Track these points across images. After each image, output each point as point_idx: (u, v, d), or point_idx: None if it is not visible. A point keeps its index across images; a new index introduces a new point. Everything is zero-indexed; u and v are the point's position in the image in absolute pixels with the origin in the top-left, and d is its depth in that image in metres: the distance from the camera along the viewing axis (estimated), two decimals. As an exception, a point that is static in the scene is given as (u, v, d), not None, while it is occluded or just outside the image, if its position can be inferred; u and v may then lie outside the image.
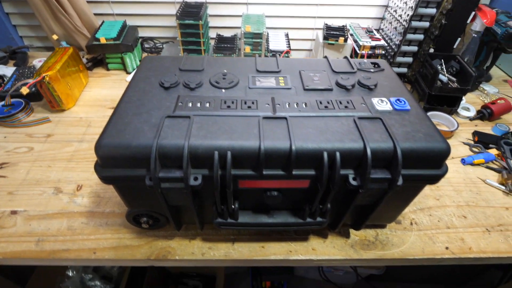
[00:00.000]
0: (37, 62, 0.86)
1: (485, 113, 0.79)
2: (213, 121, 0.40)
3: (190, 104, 0.42)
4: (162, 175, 0.36)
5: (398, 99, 0.44)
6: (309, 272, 1.36)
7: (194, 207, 0.41)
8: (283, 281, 1.33)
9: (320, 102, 0.43)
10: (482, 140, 0.73)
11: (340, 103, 0.43)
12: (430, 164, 0.39)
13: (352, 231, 0.54)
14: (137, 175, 0.37)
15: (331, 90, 0.46)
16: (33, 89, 0.78)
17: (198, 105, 0.42)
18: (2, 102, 0.75)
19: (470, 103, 0.85)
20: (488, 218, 0.57)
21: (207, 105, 0.42)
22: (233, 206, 0.42)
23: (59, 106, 0.77)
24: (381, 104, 0.43)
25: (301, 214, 0.45)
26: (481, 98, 0.89)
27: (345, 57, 0.55)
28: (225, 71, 0.50)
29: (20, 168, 0.63)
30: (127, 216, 0.48)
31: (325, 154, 0.36)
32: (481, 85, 0.91)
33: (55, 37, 0.95)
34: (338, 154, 0.36)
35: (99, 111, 0.80)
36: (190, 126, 0.38)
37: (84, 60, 0.93)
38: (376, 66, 0.52)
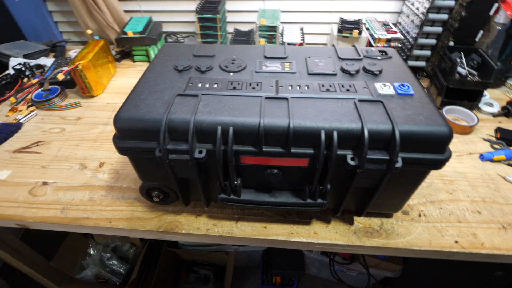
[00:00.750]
0: (72, 53, 0.95)
1: (510, 110, 0.75)
2: (218, 100, 0.42)
3: (199, 85, 0.45)
4: (170, 147, 0.40)
5: (402, 84, 0.44)
6: (321, 271, 1.35)
7: (199, 181, 0.44)
8: (294, 277, 1.33)
9: (323, 85, 0.44)
10: (505, 137, 0.69)
11: (343, 86, 0.44)
12: (432, 148, 0.39)
13: (356, 218, 0.54)
14: (149, 147, 0.41)
15: (335, 75, 0.47)
16: (68, 76, 0.86)
17: (207, 85, 0.45)
18: (42, 88, 0.84)
19: (494, 99, 0.80)
20: (506, 215, 0.54)
21: (215, 86, 0.45)
22: (235, 182, 0.45)
23: (89, 93, 0.84)
24: (384, 89, 0.43)
25: (302, 195, 0.46)
26: (507, 94, 0.84)
27: (353, 45, 0.55)
28: (235, 57, 0.53)
29: (53, 146, 0.71)
30: (140, 189, 0.52)
31: (323, 133, 0.38)
32: (508, 81, 0.86)
33: (89, 31, 1.04)
34: (335, 133, 0.37)
35: (123, 97, 0.83)
36: (197, 103, 0.41)
37: (114, 53, 1.01)
38: (383, 54, 0.52)
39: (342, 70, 0.48)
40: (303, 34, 0.93)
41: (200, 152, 0.40)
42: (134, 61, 1.02)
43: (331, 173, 0.40)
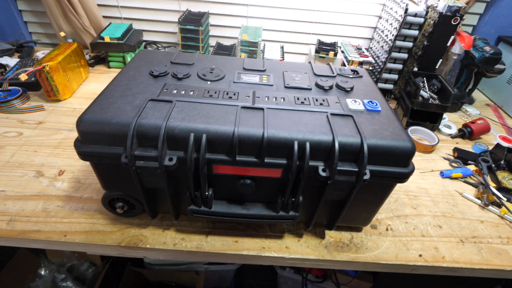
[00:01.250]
0: (40, 54, 0.89)
1: (466, 132, 0.82)
2: (193, 107, 0.41)
3: (174, 91, 0.44)
4: (138, 153, 0.38)
5: (371, 101, 0.46)
6: (293, 289, 1.32)
7: (168, 191, 0.42)
8: (266, 297, 1.28)
9: (298, 98, 0.45)
10: (461, 156, 0.75)
11: (316, 100, 0.45)
12: (397, 161, 0.40)
13: (328, 232, 0.54)
14: (114, 153, 0.39)
15: (309, 89, 0.49)
16: (33, 78, 0.80)
17: (183, 92, 0.44)
18: (0, 88, 0.77)
19: (452, 122, 0.88)
20: (463, 229, 0.57)
21: (191, 93, 0.44)
22: (206, 193, 0.43)
23: (55, 96, 0.79)
24: (354, 104, 0.45)
25: (275, 207, 0.46)
26: (463, 118, 0.92)
27: (328, 64, 0.58)
28: (214, 66, 0.53)
29: (5, 151, 0.64)
30: (103, 199, 0.48)
31: (296, 143, 0.38)
32: (463, 106, 0.95)
33: (62, 34, 0.99)
34: (308, 144, 0.38)
35: None
36: (171, 109, 0.40)
37: (87, 57, 0.97)
38: (355, 73, 0.56)
39: (317, 85, 0.50)
40: (283, 52, 0.96)
41: (171, 159, 0.38)
42: (109, 67, 0.99)
43: (303, 184, 0.40)
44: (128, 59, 0.95)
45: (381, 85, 0.91)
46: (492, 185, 0.66)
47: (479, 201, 0.63)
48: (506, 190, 0.65)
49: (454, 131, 0.83)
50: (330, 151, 0.39)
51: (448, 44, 0.81)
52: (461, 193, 0.65)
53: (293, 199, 0.44)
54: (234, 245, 0.50)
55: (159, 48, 1.11)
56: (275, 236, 0.52)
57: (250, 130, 0.38)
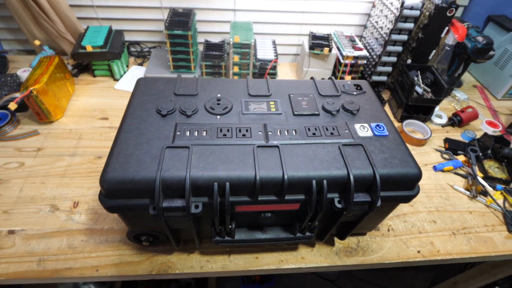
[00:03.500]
0: (21, 72, 0.83)
1: (455, 120, 0.87)
2: (210, 151, 0.42)
3: (187, 133, 0.45)
4: (166, 205, 0.39)
5: (378, 125, 0.48)
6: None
7: (194, 229, 0.45)
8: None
9: (309, 129, 0.47)
10: (452, 147, 0.80)
11: (327, 129, 0.47)
12: (405, 186, 0.44)
13: (336, 239, 0.59)
14: (141, 204, 0.40)
15: (318, 115, 0.50)
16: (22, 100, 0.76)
17: (196, 134, 0.45)
18: (-14, 116, 0.73)
19: (442, 110, 0.92)
20: (454, 222, 0.64)
21: (204, 133, 0.45)
22: (230, 227, 0.46)
23: (47, 118, 0.76)
24: (363, 131, 0.47)
25: (292, 230, 0.50)
26: (452, 104, 0.96)
27: (330, 78, 0.59)
28: (219, 95, 0.52)
29: (12, 185, 0.64)
30: (128, 235, 0.50)
31: (314, 182, 0.41)
32: (453, 92, 0.99)
33: (37, 42, 0.92)
34: (325, 182, 0.41)
35: (88, 122, 0.80)
36: (189, 156, 0.41)
37: (69, 67, 0.91)
38: (358, 88, 0.57)
39: (324, 109, 0.51)
40: (275, 47, 0.94)
41: (197, 206, 0.40)
42: (94, 76, 0.94)
43: (320, 216, 0.44)
44: (114, 68, 0.90)
45: (375, 77, 0.92)
46: (479, 175, 0.72)
47: (468, 193, 0.70)
48: (492, 179, 0.72)
49: (444, 120, 0.88)
50: (345, 184, 0.42)
51: (442, 36, 0.81)
52: (452, 186, 0.71)
53: (309, 223, 0.48)
54: (255, 261, 0.55)
55: (144, 48, 1.05)
56: (291, 249, 0.57)
57: (270, 173, 0.40)
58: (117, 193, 0.39)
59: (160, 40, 1.04)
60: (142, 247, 0.55)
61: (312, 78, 0.59)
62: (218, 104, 0.50)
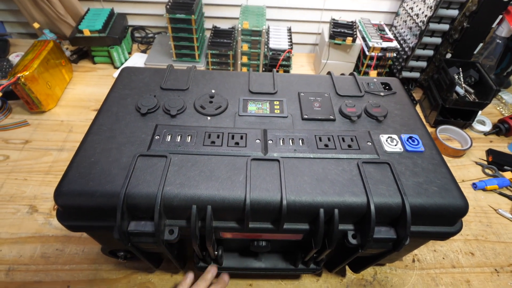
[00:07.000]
0: (14, 57, 0.78)
1: (502, 128, 0.73)
2: (193, 163, 0.34)
3: (168, 138, 0.36)
4: (132, 229, 0.31)
5: (411, 137, 0.37)
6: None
7: (171, 256, 0.37)
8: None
9: (320, 139, 0.37)
10: (496, 161, 0.66)
11: (343, 140, 0.37)
12: (443, 221, 0.33)
13: (348, 268, 0.50)
14: (105, 225, 0.33)
15: (333, 120, 0.40)
16: (10, 87, 0.71)
17: (178, 139, 0.36)
18: (-25, 103, 0.69)
19: (485, 114, 0.78)
20: (498, 256, 0.52)
21: (189, 139, 0.36)
22: (216, 253, 0.38)
23: (38, 108, 0.71)
24: (391, 145, 0.37)
25: (293, 259, 0.41)
26: (498, 108, 0.81)
27: (352, 74, 0.48)
28: (213, 91, 0.43)
29: (-6, 181, 0.59)
30: (102, 250, 0.43)
31: (322, 211, 0.31)
32: (499, 93, 0.83)
33: (36, 25, 0.86)
34: (336, 211, 0.31)
35: (82, 113, 0.74)
36: (165, 169, 0.33)
37: (68, 53, 0.85)
38: (386, 88, 0.45)
39: (342, 113, 0.41)
40: (290, 35, 0.82)
41: (171, 232, 0.32)
42: (94, 63, 0.87)
43: (328, 251, 0.34)
44: (114, 55, 0.83)
45: (405, 73, 0.79)
46: (531, 199, 0.59)
47: (516, 220, 0.57)
48: (547, 204, 0.59)
49: (488, 128, 0.74)
50: (363, 215, 0.32)
51: (494, 26, 0.66)
52: (496, 210, 0.59)
53: (315, 255, 0.38)
54: (248, 289, 0.47)
55: (148, 34, 0.97)
56: (292, 276, 0.48)
57: (265, 195, 0.31)
58: (74, 211, 0.32)
59: (166, 25, 0.96)
60: (120, 262, 0.48)
61: (329, 73, 0.48)
62: (211, 102, 0.41)
